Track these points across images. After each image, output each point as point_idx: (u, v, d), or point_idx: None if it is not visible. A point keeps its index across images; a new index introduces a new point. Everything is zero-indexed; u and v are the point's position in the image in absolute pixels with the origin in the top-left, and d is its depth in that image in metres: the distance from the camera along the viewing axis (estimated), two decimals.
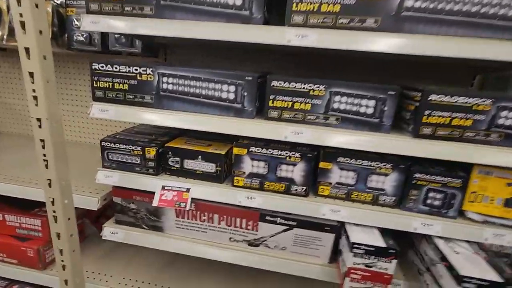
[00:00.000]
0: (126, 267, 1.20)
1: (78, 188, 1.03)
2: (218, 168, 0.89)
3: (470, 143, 0.73)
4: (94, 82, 0.87)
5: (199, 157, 0.90)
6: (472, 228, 0.78)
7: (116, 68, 0.85)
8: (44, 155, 0.81)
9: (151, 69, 0.83)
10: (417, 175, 0.79)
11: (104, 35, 1.16)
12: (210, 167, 0.90)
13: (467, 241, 0.81)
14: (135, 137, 0.97)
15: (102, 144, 0.92)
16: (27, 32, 0.71)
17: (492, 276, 0.68)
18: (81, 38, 1.17)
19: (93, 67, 0.86)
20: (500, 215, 0.78)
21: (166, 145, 0.92)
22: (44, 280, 1.13)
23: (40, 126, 0.78)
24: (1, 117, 1.60)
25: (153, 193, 0.93)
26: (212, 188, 0.90)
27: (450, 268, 0.72)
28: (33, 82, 0.74)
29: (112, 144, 0.92)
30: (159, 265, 1.24)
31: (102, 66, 0.86)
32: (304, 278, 0.92)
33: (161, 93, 0.85)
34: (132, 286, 1.11)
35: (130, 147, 0.91)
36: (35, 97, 0.75)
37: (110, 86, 0.86)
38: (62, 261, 0.94)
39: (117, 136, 0.98)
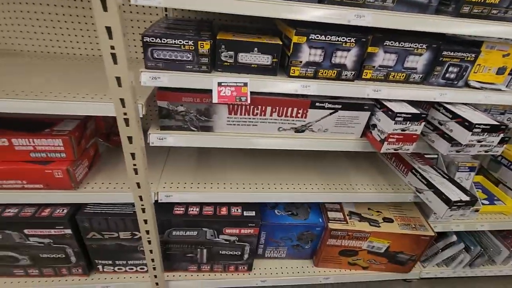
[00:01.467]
0: (165, 170, 1.24)
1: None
2: (274, 60, 0.90)
3: (492, 20, 0.89)
4: None
5: (255, 49, 0.88)
6: (472, 93, 1.03)
7: None
8: None
9: None
10: (445, 52, 0.95)
11: None
12: (266, 59, 0.90)
13: (466, 104, 1.07)
14: (177, 31, 0.87)
15: (145, 40, 0.81)
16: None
17: (493, 121, 0.96)
18: None
19: None
20: (492, 81, 1.03)
21: (218, 38, 0.86)
22: (80, 198, 1.10)
23: None
24: None
25: (205, 92, 0.92)
26: (268, 80, 0.92)
27: (463, 121, 0.96)
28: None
29: (158, 39, 0.81)
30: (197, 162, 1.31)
31: None
32: None
33: None
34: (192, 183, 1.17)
35: (180, 42, 0.83)
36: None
37: None
38: (135, 167, 0.94)
39: (159, 31, 0.86)
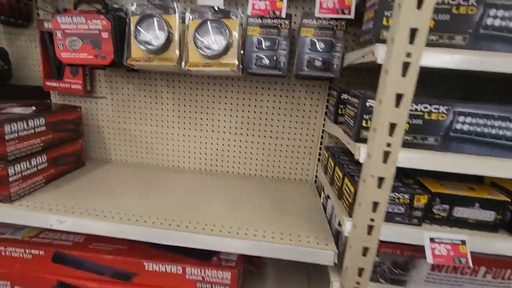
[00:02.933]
0: None
1: (298, 235, 0.89)
2: (498, 217, 0.78)
3: None
4: (363, 121, 0.74)
5: (476, 204, 0.78)
6: None
7: None
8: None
9: (445, 107, 0.71)
10: None
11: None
12: (488, 215, 0.79)
13: None
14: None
15: None
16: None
17: None
18: (266, 61, 1.03)
19: (367, 103, 0.73)
20: None
21: (433, 191, 0.79)
22: None
23: None
24: (116, 144, 1.42)
25: (407, 245, 0.81)
26: (488, 238, 0.78)
27: None
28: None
29: None
30: None
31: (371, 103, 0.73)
32: None
33: (451, 134, 0.73)
34: None
35: (395, 195, 0.78)
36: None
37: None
38: None
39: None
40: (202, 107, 1.32)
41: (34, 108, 1.12)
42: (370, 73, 1.18)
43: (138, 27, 0.99)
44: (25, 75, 1.38)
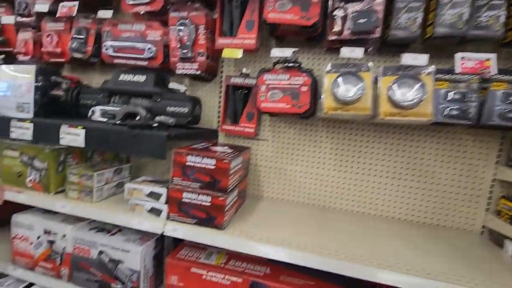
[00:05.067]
0: None
1: None
2: None
3: None
4: None
5: None
6: None
7: None
8: None
9: None
10: None
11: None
12: None
13: None
14: None
15: None
16: None
17: None
18: (454, 112, 1.10)
19: None
20: None
21: None
22: None
23: None
24: (269, 181, 1.56)
25: None
26: None
27: None
28: None
29: None
30: None
31: None
32: None
33: None
34: None
35: None
36: None
37: None
38: None
39: None
40: (360, 151, 1.42)
41: (226, 147, 1.31)
42: None
43: (338, 81, 1.15)
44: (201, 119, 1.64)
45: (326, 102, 1.17)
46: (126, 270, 1.21)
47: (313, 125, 1.47)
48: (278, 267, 1.17)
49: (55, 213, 1.34)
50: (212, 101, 1.62)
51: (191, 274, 1.15)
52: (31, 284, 1.44)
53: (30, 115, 1.34)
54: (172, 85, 1.42)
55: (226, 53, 1.26)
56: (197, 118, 1.44)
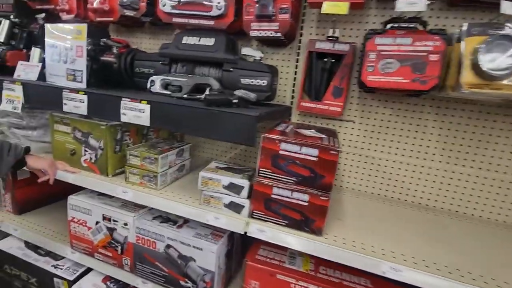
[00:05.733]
0: None
1: None
2: None
3: None
4: None
5: None
6: None
7: None
8: None
9: None
10: None
11: None
12: None
13: None
14: None
15: None
16: None
17: None
18: None
19: None
20: None
21: None
22: None
23: None
24: (352, 171, 1.31)
25: None
26: None
27: None
28: None
29: None
30: None
31: None
32: None
33: None
34: None
35: None
36: None
37: None
38: None
39: None
40: (480, 140, 1.12)
41: (313, 131, 1.06)
42: None
43: (482, 48, 0.84)
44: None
45: (466, 76, 0.87)
46: (198, 269, 1.06)
47: (418, 105, 1.17)
48: (378, 280, 0.96)
49: (111, 196, 1.18)
50: (285, 71, 1.34)
51: (276, 281, 0.97)
52: (90, 269, 1.35)
53: (83, 85, 1.14)
54: (246, 50, 1.16)
55: (328, 8, 0.96)
56: (274, 93, 1.19)
